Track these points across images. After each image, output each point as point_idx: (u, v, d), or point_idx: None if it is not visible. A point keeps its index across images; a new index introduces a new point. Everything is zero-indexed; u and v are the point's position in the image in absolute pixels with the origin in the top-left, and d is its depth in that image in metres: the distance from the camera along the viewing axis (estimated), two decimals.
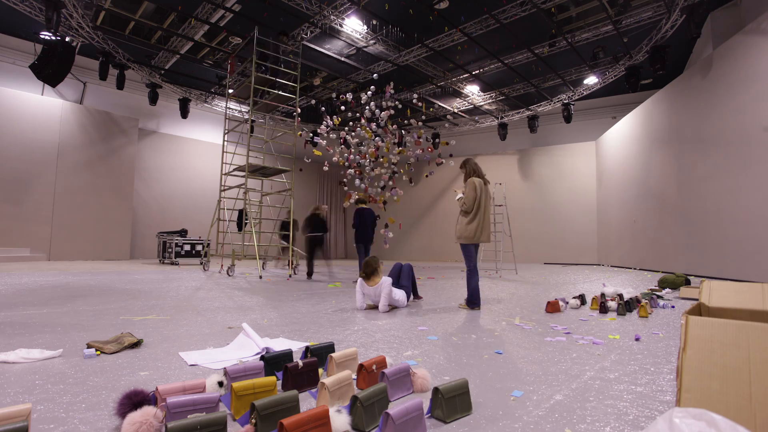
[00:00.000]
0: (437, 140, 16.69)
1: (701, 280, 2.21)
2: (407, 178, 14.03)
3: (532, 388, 1.91)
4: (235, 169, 9.26)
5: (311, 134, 14.76)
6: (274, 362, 2.06)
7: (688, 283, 6.33)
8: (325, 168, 12.18)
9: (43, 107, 12.06)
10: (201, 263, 9.83)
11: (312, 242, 8.03)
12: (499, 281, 7.91)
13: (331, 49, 11.67)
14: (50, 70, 9.34)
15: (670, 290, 6.16)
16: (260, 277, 8.01)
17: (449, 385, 1.60)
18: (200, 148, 16.20)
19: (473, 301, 4.29)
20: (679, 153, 10.01)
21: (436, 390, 1.58)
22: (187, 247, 12.13)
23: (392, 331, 3.18)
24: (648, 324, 3.60)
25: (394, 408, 1.39)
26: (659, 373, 2.17)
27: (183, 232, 12.57)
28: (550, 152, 16.29)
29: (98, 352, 2.37)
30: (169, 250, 11.95)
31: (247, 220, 8.96)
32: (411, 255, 18.80)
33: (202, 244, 12.18)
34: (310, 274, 7.95)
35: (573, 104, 13.54)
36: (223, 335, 2.94)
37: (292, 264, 8.87)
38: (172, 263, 11.75)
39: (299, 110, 11.58)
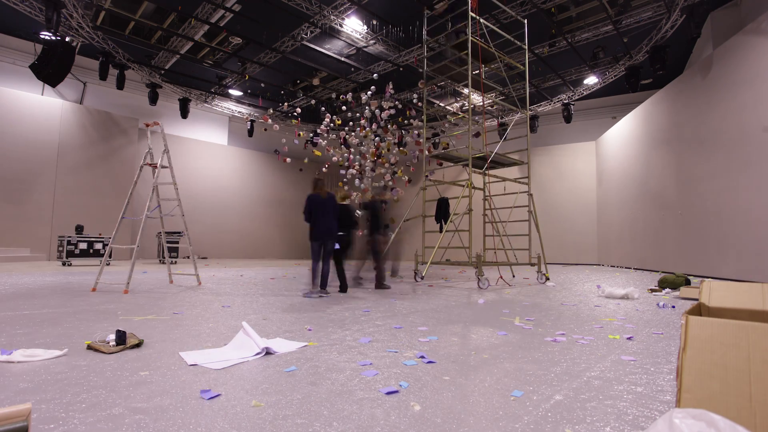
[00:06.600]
0: (438, 140, 16.67)
1: (701, 280, 2.21)
2: (407, 178, 14.03)
3: (532, 388, 1.90)
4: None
5: (311, 134, 14.75)
6: None
7: (688, 283, 6.32)
8: (324, 168, 12.18)
9: (43, 107, 12.06)
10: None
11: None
12: None
13: (331, 49, 11.67)
14: (50, 70, 9.35)
15: (670, 290, 6.16)
16: None
17: None
18: (200, 148, 16.20)
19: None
20: (679, 153, 10.00)
21: None
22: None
23: (392, 331, 3.18)
24: (648, 324, 3.60)
25: None
26: (659, 373, 2.17)
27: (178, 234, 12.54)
28: (550, 152, 16.28)
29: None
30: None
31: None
32: (411, 255, 18.77)
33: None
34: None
35: (573, 104, 13.53)
36: (223, 335, 2.94)
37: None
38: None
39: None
